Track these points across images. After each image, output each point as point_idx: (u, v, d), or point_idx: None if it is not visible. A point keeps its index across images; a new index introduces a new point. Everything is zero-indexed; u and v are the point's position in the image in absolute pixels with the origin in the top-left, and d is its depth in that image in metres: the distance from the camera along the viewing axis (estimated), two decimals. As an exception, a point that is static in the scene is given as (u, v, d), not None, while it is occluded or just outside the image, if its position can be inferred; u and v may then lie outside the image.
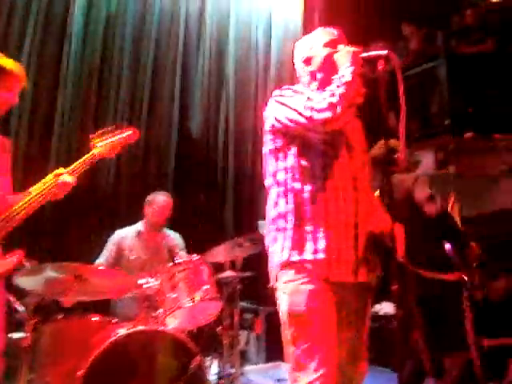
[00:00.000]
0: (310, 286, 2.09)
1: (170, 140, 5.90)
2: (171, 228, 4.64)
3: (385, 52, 2.16)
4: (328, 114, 2.06)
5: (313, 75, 2.36)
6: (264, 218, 2.35)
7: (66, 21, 5.15)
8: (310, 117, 2.09)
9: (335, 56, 2.25)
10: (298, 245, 2.14)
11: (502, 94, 7.03)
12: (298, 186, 2.19)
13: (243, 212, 6.27)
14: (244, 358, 4.62)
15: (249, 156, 6.44)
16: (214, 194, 6.22)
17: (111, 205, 5.31)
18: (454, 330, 3.99)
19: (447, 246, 3.45)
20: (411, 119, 7.21)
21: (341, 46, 2.27)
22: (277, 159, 2.26)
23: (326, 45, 2.33)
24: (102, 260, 4.28)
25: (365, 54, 2.19)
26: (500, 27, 7.62)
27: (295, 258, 2.13)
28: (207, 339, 3.74)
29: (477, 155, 6.80)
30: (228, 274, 4.17)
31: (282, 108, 2.21)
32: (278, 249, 2.20)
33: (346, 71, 2.14)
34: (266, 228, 2.35)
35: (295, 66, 2.49)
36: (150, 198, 4.54)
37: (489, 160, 6.73)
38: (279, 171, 2.25)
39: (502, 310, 5.36)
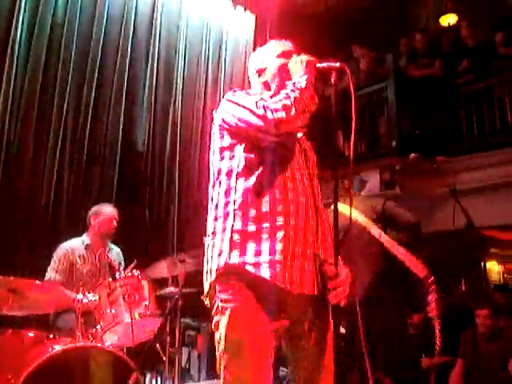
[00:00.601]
0: (249, 300, 1.94)
1: (114, 152, 5.85)
2: (113, 240, 4.58)
3: (338, 64, 2.16)
4: (282, 115, 1.99)
5: (266, 86, 2.31)
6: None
7: (11, 28, 5.07)
8: (263, 116, 2.00)
9: (289, 65, 2.23)
10: (239, 246, 1.99)
11: (448, 116, 7.30)
12: (242, 185, 2.07)
13: (187, 227, 6.27)
14: (186, 375, 4.61)
15: (195, 171, 6.47)
16: (158, 209, 6.21)
17: (52, 216, 5.22)
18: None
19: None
20: (359, 139, 7.37)
21: (294, 57, 2.24)
22: (222, 158, 2.17)
23: (279, 56, 2.30)
24: (58, 276, 4.14)
25: (319, 65, 2.19)
26: (448, 51, 7.94)
27: (235, 260, 1.97)
28: (145, 356, 3.70)
29: (422, 176, 7.01)
30: (170, 289, 4.16)
31: (234, 107, 2.13)
32: (215, 253, 2.04)
33: (300, 79, 2.12)
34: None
35: (249, 79, 2.43)
36: (95, 208, 4.47)
37: (432, 181, 6.94)
38: (223, 170, 2.14)
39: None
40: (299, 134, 2.28)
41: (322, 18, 8.07)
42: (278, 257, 1.97)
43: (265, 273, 1.94)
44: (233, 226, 2.02)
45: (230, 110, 2.14)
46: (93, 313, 3.62)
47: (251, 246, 1.99)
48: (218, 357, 1.99)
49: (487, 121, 7.01)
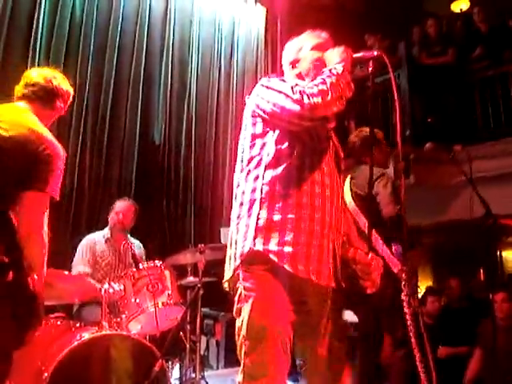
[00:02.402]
0: (272, 289, 2.00)
1: (133, 147, 6.07)
2: (133, 234, 4.81)
3: (376, 53, 2.19)
4: (318, 100, 2.01)
5: (299, 78, 2.31)
6: (225, 226, 2.31)
7: (32, 28, 5.28)
8: (299, 100, 2.02)
9: (325, 55, 2.25)
10: (264, 234, 2.04)
11: (462, 104, 7.34)
12: (270, 174, 2.11)
13: (204, 219, 6.46)
14: (204, 363, 4.79)
15: (211, 164, 6.65)
16: (175, 202, 6.40)
17: (75, 211, 5.46)
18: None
19: (395, 247, 3.62)
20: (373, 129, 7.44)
21: (329, 50, 2.26)
22: (253, 146, 2.19)
23: (314, 48, 2.31)
24: (85, 268, 4.39)
25: (356, 55, 2.21)
26: (461, 38, 7.93)
27: (259, 247, 2.02)
28: (169, 344, 3.84)
29: (437, 165, 7.11)
30: (190, 279, 4.35)
31: (269, 92, 2.14)
32: (239, 238, 2.09)
33: (336, 65, 2.14)
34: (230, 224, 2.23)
35: (283, 69, 2.45)
36: (114, 205, 4.73)
37: (448, 170, 7.01)
38: (253, 158, 2.17)
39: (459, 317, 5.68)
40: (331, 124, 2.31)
41: (333, 9, 8.15)
42: (300, 248, 2.03)
43: (287, 263, 2.00)
44: (259, 213, 2.07)
45: (266, 95, 2.15)
46: (117, 302, 3.83)
47: (275, 235, 2.03)
48: (238, 343, 2.04)
49: (503, 108, 7.04)
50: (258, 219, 2.07)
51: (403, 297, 2.18)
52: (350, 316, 5.38)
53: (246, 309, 2.01)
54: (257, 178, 2.13)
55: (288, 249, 2.02)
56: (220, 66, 7.13)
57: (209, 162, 6.69)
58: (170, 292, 3.90)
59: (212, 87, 6.99)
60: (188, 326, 4.31)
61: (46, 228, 2.41)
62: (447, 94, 7.39)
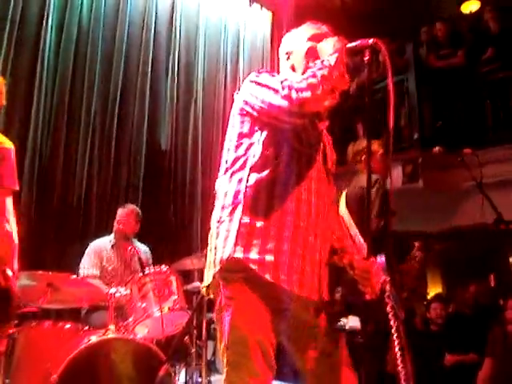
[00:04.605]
0: (252, 298, 1.95)
1: (140, 152, 6.23)
2: (140, 239, 4.96)
3: (370, 41, 2.09)
4: (307, 94, 1.94)
5: (293, 69, 2.27)
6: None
7: (39, 39, 5.44)
8: (288, 95, 1.95)
9: (318, 46, 2.17)
10: (245, 241, 1.99)
11: (472, 107, 7.39)
12: (255, 177, 2.05)
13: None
14: (211, 367, 4.89)
15: (217, 168, 6.76)
16: (182, 207, 6.55)
17: (83, 216, 5.62)
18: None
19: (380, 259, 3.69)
20: (380, 133, 7.53)
21: (323, 41, 2.18)
22: (238, 146, 2.13)
23: (310, 39, 2.25)
24: (93, 271, 4.55)
25: (350, 44, 2.12)
26: (470, 40, 7.95)
27: (239, 254, 1.97)
28: (175, 348, 3.94)
29: (445, 169, 7.04)
30: (196, 284, 4.48)
31: (257, 88, 2.08)
32: (219, 244, 2.03)
33: (329, 57, 2.05)
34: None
35: (278, 62, 2.41)
36: (118, 210, 4.89)
37: (457, 174, 7.06)
38: (238, 159, 2.12)
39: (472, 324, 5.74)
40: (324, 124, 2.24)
41: (339, 12, 8.26)
42: (282, 257, 1.97)
43: (268, 272, 1.95)
44: (241, 218, 2.01)
45: (254, 91, 2.09)
46: (124, 307, 3.96)
47: (257, 242, 1.97)
48: (220, 352, 2.01)
49: (514, 111, 6.96)
50: (239, 225, 2.01)
51: (388, 309, 2.22)
52: (354, 322, 5.49)
53: (227, 317, 1.97)
54: (240, 180, 2.07)
55: (269, 257, 1.96)
56: (226, 70, 7.28)
57: (216, 167, 6.79)
58: (176, 297, 4.00)
59: (218, 92, 7.14)
60: (194, 331, 4.43)
61: (12, 220, 2.54)
62: (456, 97, 7.45)
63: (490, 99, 7.39)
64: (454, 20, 8.50)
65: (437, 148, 5.83)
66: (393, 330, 2.26)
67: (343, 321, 5.90)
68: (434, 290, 8.46)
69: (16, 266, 2.60)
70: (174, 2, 6.81)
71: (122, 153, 6.08)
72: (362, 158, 4.47)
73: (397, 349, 2.24)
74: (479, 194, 4.66)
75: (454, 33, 8.09)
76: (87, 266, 4.60)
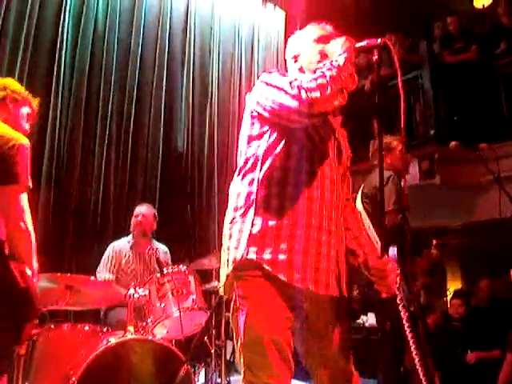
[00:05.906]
0: (267, 297, 1.95)
1: (156, 155, 6.22)
2: (158, 240, 4.94)
3: (379, 40, 2.09)
4: (316, 94, 1.93)
5: (301, 72, 2.27)
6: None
7: (56, 41, 5.47)
8: (297, 95, 1.95)
9: (327, 47, 2.18)
10: (258, 241, 1.99)
11: (487, 101, 7.30)
12: (266, 177, 2.06)
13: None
14: (230, 367, 4.85)
15: (233, 169, 6.75)
16: (199, 207, 6.54)
17: (101, 219, 5.63)
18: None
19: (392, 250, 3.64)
20: (396, 129, 7.46)
21: (331, 41, 2.18)
22: (249, 148, 2.15)
23: (317, 40, 2.26)
24: (110, 274, 4.54)
25: (359, 44, 2.12)
26: (483, 34, 7.89)
27: (252, 256, 1.97)
28: (194, 348, 3.90)
29: (462, 164, 7.02)
30: (215, 284, 4.44)
31: (267, 88, 2.07)
32: (232, 244, 2.04)
33: (338, 57, 2.05)
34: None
35: (286, 64, 2.39)
36: (135, 208, 4.88)
37: (475, 169, 6.98)
38: (249, 160, 2.13)
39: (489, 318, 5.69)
40: (336, 120, 2.25)
41: (352, 10, 8.21)
42: (295, 256, 1.97)
43: (282, 271, 1.95)
44: (253, 219, 2.02)
45: (264, 91, 2.08)
46: (143, 307, 3.92)
47: (269, 243, 1.97)
48: (237, 351, 2.02)
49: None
50: (252, 225, 2.02)
51: (398, 301, 2.18)
52: (373, 319, 5.44)
53: (241, 317, 1.97)
54: (252, 181, 2.09)
55: (282, 257, 1.96)
56: (241, 71, 7.27)
57: (232, 168, 6.80)
58: (194, 297, 3.97)
59: (233, 93, 7.12)
60: (213, 331, 4.39)
61: (28, 218, 2.53)
62: (471, 92, 7.36)
63: (504, 93, 7.28)
64: (467, 15, 8.47)
65: (453, 143, 5.78)
66: (404, 321, 2.22)
67: (363, 318, 5.89)
68: (453, 285, 8.38)
69: (36, 265, 2.57)
70: (188, 4, 6.83)
71: (138, 155, 6.09)
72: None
73: (411, 342, 2.19)
74: (496, 189, 4.59)
75: (467, 27, 8.05)
76: (101, 270, 4.59)
